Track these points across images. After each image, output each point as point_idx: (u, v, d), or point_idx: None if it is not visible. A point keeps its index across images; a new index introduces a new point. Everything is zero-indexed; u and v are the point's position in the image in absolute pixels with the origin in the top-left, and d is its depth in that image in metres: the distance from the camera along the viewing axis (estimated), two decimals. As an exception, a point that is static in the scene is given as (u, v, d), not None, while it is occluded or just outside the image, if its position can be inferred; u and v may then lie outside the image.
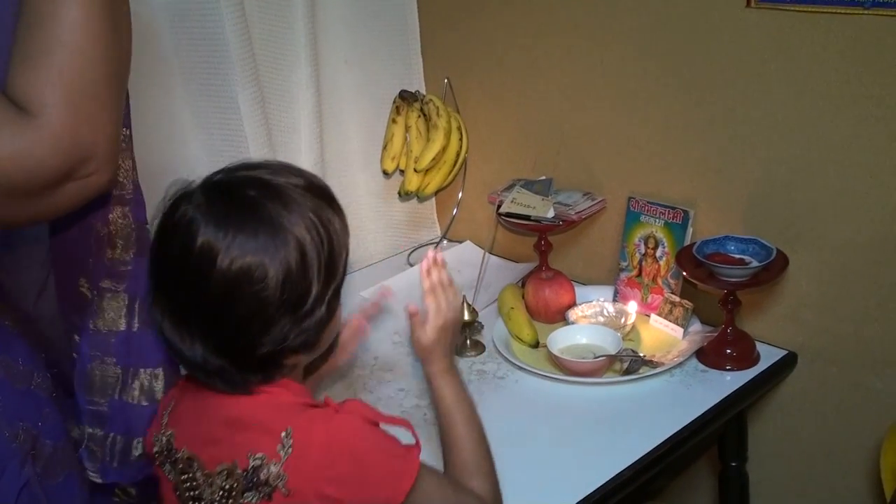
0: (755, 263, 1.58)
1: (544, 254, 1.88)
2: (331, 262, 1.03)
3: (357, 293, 2.01)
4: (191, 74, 1.81)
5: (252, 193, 1.01)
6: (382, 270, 2.13)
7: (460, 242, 2.20)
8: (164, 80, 1.79)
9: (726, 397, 1.55)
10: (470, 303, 1.72)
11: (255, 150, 1.86)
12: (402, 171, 2.15)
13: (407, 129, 2.09)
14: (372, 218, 2.23)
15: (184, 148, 1.85)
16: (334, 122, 2.09)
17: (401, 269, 2.12)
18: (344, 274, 1.07)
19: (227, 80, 1.80)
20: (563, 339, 1.68)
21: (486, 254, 2.00)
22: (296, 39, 1.91)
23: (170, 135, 1.82)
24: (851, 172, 1.51)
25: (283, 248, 0.99)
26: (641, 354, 1.62)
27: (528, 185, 1.90)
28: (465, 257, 2.13)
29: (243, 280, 0.97)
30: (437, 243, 2.22)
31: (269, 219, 0.99)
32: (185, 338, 1.02)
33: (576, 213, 1.83)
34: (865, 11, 1.40)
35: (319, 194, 1.06)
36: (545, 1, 1.84)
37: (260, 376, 1.05)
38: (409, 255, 2.21)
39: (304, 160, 1.99)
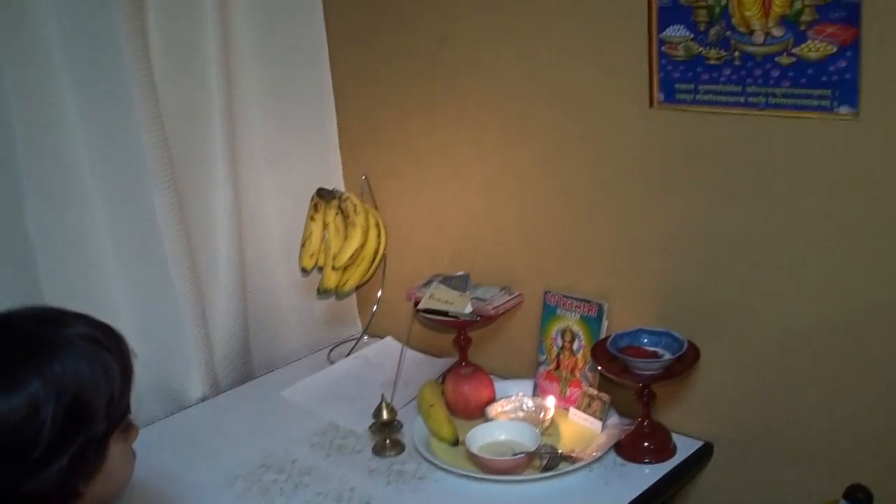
0: (668, 356, 1.60)
1: (464, 349, 1.88)
2: (75, 414, 1.00)
3: (277, 393, 1.99)
4: (104, 177, 1.80)
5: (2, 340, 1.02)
6: (302, 368, 2.11)
7: (381, 338, 2.19)
8: (76, 187, 1.78)
9: (645, 491, 1.55)
10: (388, 401, 1.71)
11: (171, 254, 1.84)
12: (320, 269, 2.15)
13: (325, 226, 2.09)
14: (293, 315, 2.21)
15: (98, 255, 1.83)
16: (254, 220, 2.09)
17: (321, 367, 2.10)
18: (112, 423, 1.05)
19: (142, 183, 1.79)
20: (482, 437, 1.67)
21: (404, 350, 1.99)
22: (213, 138, 1.93)
23: (80, 237, 1.80)
24: (756, 265, 1.55)
25: (8, 395, 0.97)
26: (559, 450, 1.62)
27: (446, 280, 1.91)
28: (386, 353, 2.12)
29: None
30: (358, 339, 2.21)
31: (5, 366, 0.99)
32: None
33: (493, 307, 1.84)
34: (760, 112, 1.47)
35: (95, 342, 1.05)
36: (459, 102, 1.89)
37: None
38: (330, 351, 2.19)
39: (223, 259, 1.98)
